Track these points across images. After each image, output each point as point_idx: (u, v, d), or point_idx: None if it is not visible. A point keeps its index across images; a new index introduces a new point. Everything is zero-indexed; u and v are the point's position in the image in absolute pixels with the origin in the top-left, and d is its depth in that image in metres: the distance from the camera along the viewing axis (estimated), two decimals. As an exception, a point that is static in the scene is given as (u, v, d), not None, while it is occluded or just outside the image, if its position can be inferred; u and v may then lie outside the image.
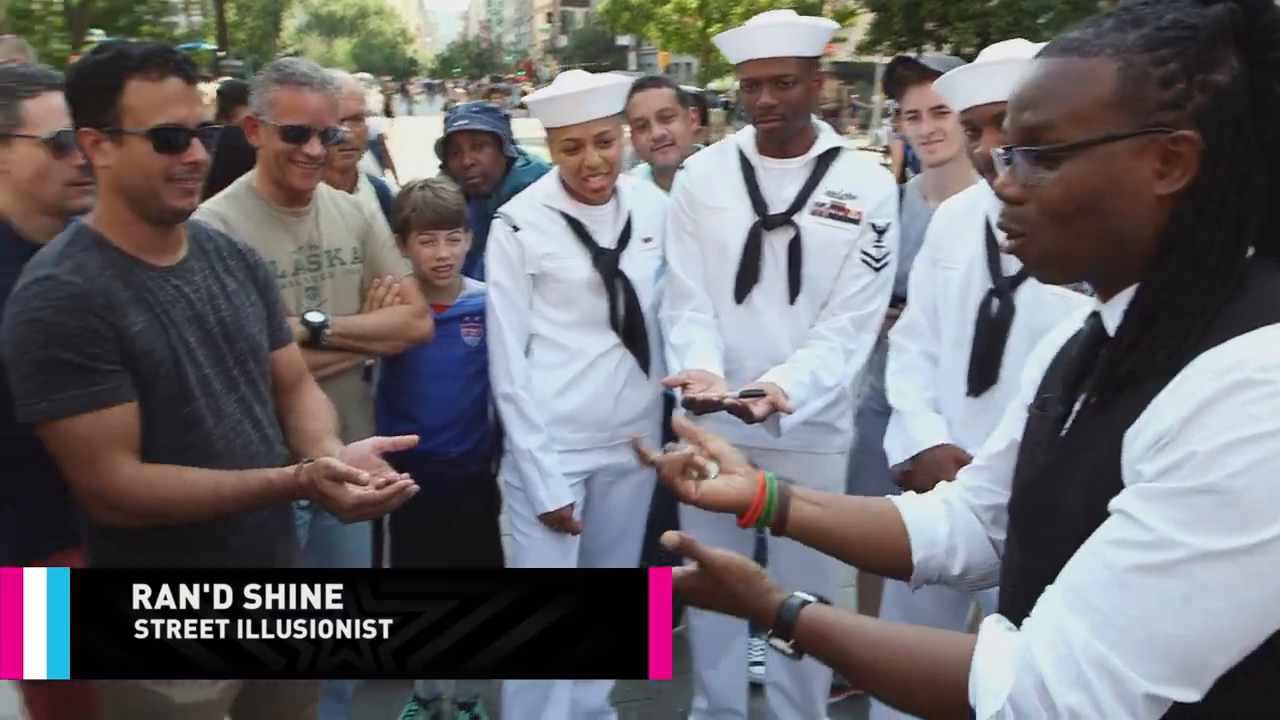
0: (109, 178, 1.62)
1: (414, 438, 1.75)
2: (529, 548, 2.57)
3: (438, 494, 2.65)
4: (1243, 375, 0.83)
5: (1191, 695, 0.84)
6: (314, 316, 2.28)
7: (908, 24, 20.72)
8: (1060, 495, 1.00)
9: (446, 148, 2.96)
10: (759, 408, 2.06)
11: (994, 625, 1.01)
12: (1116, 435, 0.92)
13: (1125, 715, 0.85)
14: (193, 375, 1.67)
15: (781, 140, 2.38)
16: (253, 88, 2.29)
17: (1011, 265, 2.06)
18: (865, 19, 25.68)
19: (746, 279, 2.41)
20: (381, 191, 3.12)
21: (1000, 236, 2.06)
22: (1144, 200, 0.95)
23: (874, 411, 2.79)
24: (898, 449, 2.24)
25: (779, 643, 1.15)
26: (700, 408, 2.04)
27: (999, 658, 0.94)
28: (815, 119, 2.46)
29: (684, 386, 2.10)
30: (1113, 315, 1.01)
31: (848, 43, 28.24)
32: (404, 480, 1.62)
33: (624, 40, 44.11)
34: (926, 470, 2.13)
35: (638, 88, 3.10)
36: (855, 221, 2.39)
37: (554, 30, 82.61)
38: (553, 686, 2.58)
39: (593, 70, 3.00)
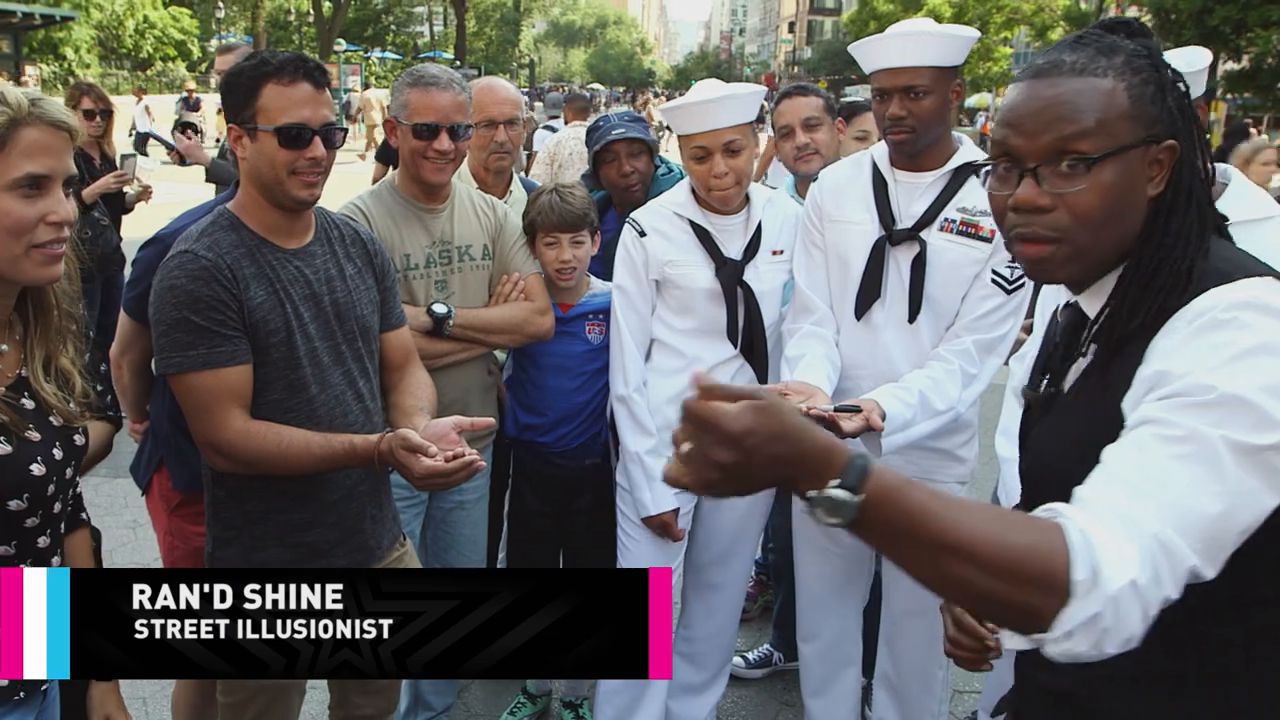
0: (246, 168, 1.99)
1: (490, 420, 2.00)
2: (632, 550, 2.76)
3: (555, 484, 2.92)
4: (1212, 317, 1.09)
5: (1211, 572, 1.02)
6: (439, 308, 2.59)
7: (1198, 30, 19.37)
8: (1065, 454, 1.22)
9: (600, 157, 3.19)
10: (850, 423, 2.14)
11: (1060, 506, 1.05)
12: (1116, 393, 1.16)
13: (1176, 588, 1.00)
14: (302, 346, 1.99)
15: (912, 153, 2.45)
16: (392, 93, 2.64)
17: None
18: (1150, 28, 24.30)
19: (867, 295, 2.50)
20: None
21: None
22: (1142, 200, 1.20)
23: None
24: (1003, 500, 2.26)
25: (840, 493, 0.98)
26: None
27: (1106, 529, 0.99)
28: (955, 132, 2.52)
29: (781, 396, 2.21)
30: (1093, 301, 1.26)
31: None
32: (472, 455, 1.86)
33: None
34: None
35: (785, 95, 3.26)
36: (988, 240, 2.42)
37: (797, 41, 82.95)
38: (646, 691, 2.75)
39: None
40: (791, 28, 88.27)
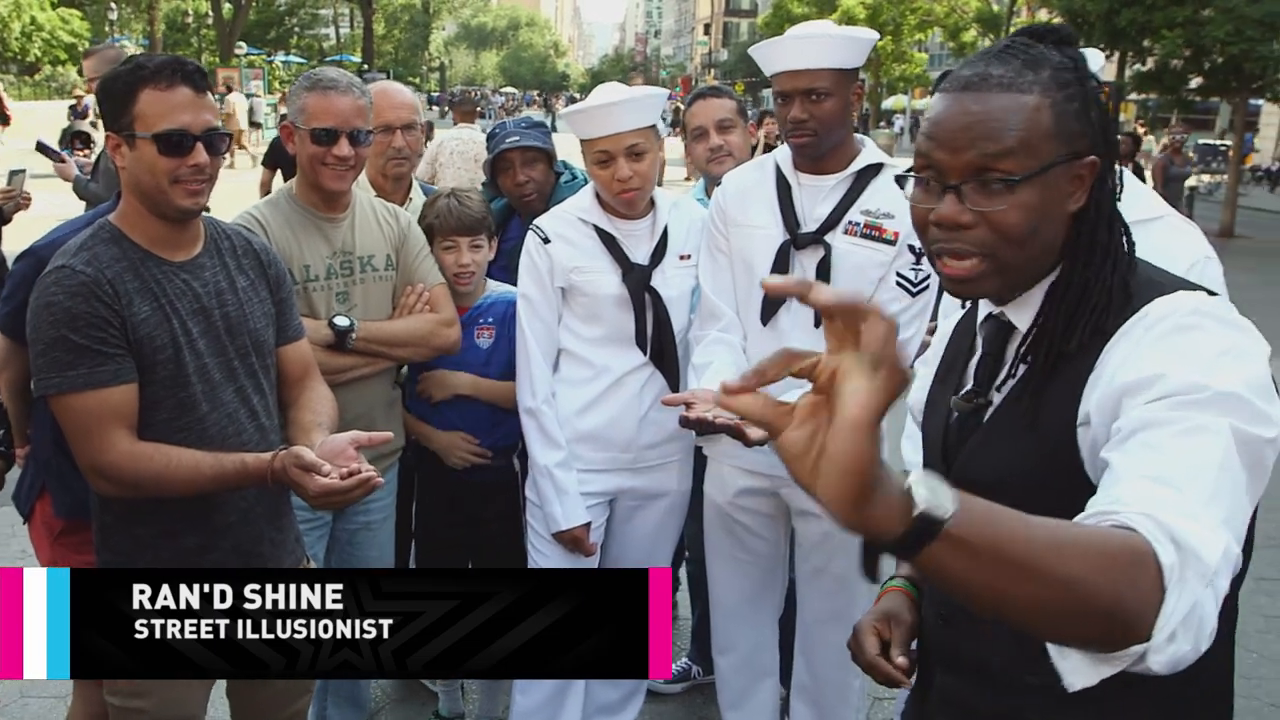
0: (126, 178, 1.96)
1: (388, 434, 2.01)
2: (542, 565, 2.76)
3: (461, 491, 2.92)
4: (1175, 322, 1.13)
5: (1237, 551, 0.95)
6: (341, 320, 2.57)
7: (1107, 32, 20.10)
8: (998, 473, 1.24)
9: (496, 165, 3.20)
10: (756, 431, 2.18)
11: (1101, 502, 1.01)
12: (1057, 413, 1.19)
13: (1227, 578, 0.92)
14: (191, 363, 1.97)
15: (815, 156, 2.51)
16: (288, 97, 2.62)
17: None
18: (1057, 31, 25.20)
19: (773, 300, 2.55)
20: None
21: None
22: (1064, 214, 1.24)
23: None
24: None
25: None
26: (697, 427, 2.18)
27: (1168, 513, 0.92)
28: (858, 134, 2.59)
29: (687, 406, 2.24)
30: (1021, 314, 1.30)
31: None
32: (369, 472, 1.86)
33: (787, 54, 44.50)
34: None
35: (698, 97, 3.31)
36: (892, 243, 2.49)
37: (713, 43, 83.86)
38: (561, 711, 2.76)
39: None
40: (707, 29, 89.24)
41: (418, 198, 3.22)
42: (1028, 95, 1.18)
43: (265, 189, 8.75)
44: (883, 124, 33.44)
